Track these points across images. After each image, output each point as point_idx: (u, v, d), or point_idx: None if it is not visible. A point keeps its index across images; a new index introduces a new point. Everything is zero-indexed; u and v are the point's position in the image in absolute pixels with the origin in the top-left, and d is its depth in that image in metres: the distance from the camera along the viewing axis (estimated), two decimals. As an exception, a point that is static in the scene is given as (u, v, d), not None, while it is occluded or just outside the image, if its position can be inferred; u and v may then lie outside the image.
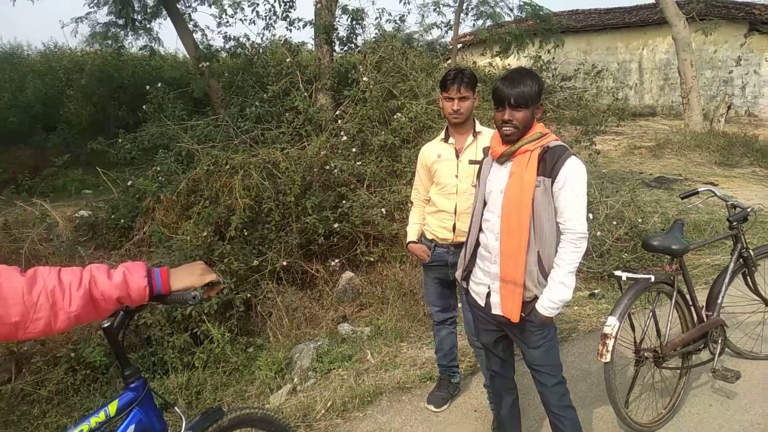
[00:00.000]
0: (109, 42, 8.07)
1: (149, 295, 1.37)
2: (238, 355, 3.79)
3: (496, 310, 2.27)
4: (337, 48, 6.97)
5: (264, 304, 4.34)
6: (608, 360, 2.65)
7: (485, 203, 2.30)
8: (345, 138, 5.49)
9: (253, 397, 3.42)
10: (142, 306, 1.54)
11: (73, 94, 9.74)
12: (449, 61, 9.91)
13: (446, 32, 9.94)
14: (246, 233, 4.64)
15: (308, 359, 3.67)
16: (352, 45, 7.05)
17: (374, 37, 6.83)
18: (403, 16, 7.22)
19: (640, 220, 5.57)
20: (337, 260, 4.95)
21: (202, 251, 4.26)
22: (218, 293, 1.42)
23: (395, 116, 5.72)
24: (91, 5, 7.83)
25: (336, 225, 4.86)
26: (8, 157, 8.97)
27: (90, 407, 3.28)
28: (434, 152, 2.85)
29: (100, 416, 1.50)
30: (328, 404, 3.09)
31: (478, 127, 2.78)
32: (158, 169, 5.31)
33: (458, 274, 2.48)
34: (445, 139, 2.82)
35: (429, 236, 2.92)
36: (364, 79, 5.88)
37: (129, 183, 5.46)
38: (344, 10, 6.92)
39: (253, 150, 5.24)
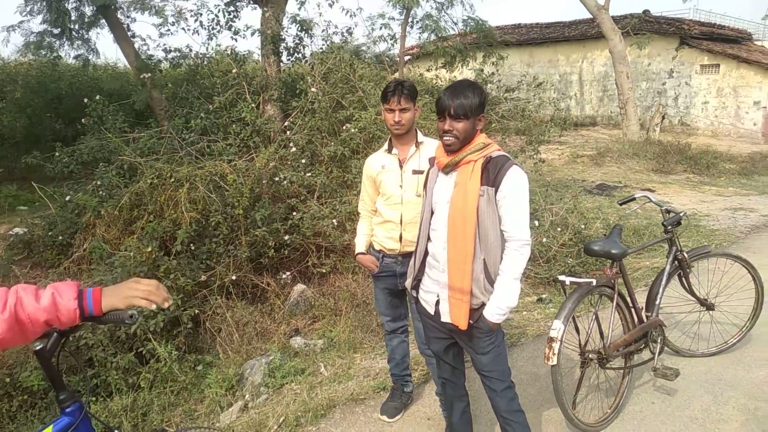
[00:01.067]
0: (44, 52, 7.73)
1: (80, 317, 1.31)
2: (186, 373, 3.67)
3: (445, 318, 2.30)
4: (284, 58, 6.93)
5: (213, 320, 4.23)
6: (555, 363, 2.72)
7: (432, 213, 2.34)
8: (294, 149, 5.45)
9: (202, 416, 3.33)
10: (76, 327, 1.45)
11: (6, 106, 9.27)
12: (397, 73, 10.04)
13: (393, 45, 10.07)
14: (193, 248, 4.52)
15: (260, 375, 3.60)
16: (300, 56, 7.03)
17: (322, 48, 6.83)
18: (350, 28, 7.24)
19: (583, 226, 5.77)
20: (288, 273, 4.88)
21: (146, 267, 4.11)
22: (167, 309, 1.34)
23: (345, 127, 5.73)
24: (24, 14, 7.51)
25: (287, 237, 4.81)
26: (-66, 172, 8.44)
27: (26, 436, 3.11)
28: (378, 163, 2.88)
29: None
30: (281, 420, 3.03)
31: (421, 137, 2.82)
32: (98, 183, 5.11)
33: (408, 283, 2.50)
34: (389, 150, 2.85)
35: (377, 247, 2.93)
36: (313, 89, 5.87)
37: (67, 198, 5.22)
38: (293, 19, 6.90)
39: (199, 162, 5.12)
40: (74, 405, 1.54)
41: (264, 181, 5.07)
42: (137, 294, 1.38)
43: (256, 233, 4.64)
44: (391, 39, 9.71)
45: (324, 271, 4.90)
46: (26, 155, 5.90)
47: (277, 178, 5.11)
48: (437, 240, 2.29)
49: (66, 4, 7.17)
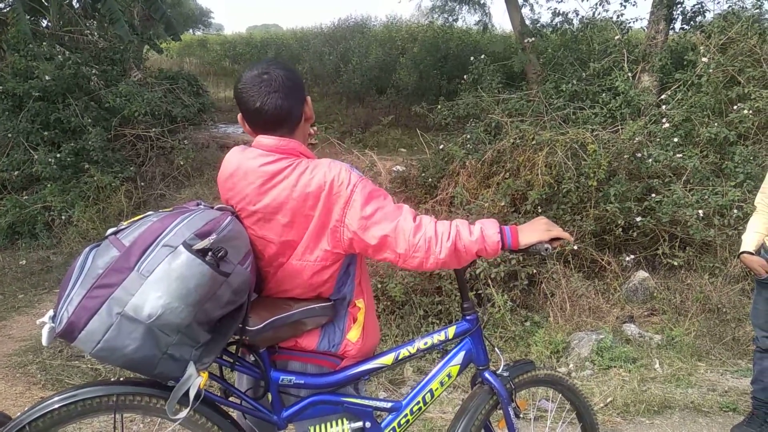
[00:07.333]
0: (445, 15, 8.75)
1: (501, 248, 1.51)
2: (516, 325, 3.89)
3: None
4: (677, 26, 6.25)
5: (548, 283, 4.32)
6: None
7: None
8: (666, 125, 4.99)
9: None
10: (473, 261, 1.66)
11: (404, 62, 10.93)
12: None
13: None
14: (540, 210, 4.65)
15: (587, 349, 3.55)
16: (696, 23, 6.23)
17: (724, 12, 5.89)
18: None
19: None
20: (632, 256, 4.61)
21: (497, 220, 4.42)
22: (562, 246, 1.49)
23: (735, 106, 4.94)
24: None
25: (639, 218, 4.52)
26: (348, 112, 10.74)
27: (387, 333, 3.80)
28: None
29: (441, 336, 1.75)
30: (608, 400, 2.95)
31: None
32: (468, 137, 5.65)
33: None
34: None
35: (772, 249, 2.48)
36: (704, 60, 5.17)
37: (440, 146, 5.92)
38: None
39: (562, 128, 5.15)
40: (473, 315, 1.79)
41: (625, 156, 4.82)
42: (555, 231, 1.53)
43: (607, 208, 4.49)
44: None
45: (675, 263, 4.46)
46: (414, 105, 6.89)
47: (640, 155, 4.79)
48: None
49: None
